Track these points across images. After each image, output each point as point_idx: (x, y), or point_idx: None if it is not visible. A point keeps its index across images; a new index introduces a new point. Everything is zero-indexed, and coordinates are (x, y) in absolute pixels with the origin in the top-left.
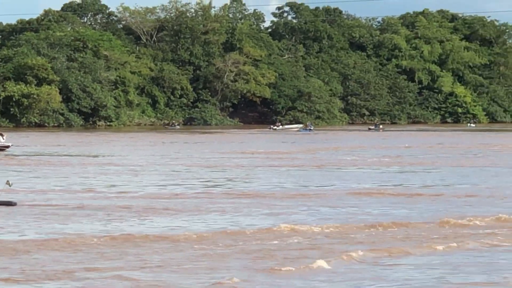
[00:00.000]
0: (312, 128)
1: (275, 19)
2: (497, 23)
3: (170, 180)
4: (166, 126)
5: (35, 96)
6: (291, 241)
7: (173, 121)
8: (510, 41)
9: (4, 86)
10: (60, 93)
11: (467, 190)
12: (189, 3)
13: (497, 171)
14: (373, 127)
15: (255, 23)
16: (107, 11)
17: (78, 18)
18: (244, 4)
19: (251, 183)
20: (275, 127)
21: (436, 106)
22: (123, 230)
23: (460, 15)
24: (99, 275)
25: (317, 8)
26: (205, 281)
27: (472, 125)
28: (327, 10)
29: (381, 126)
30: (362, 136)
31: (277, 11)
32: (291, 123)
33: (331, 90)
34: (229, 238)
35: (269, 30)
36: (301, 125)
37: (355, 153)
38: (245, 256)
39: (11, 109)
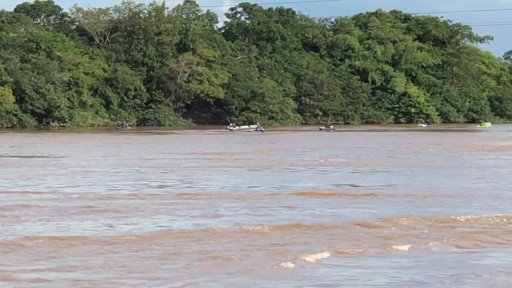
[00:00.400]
0: (262, 129)
1: (228, 20)
2: (450, 24)
3: (118, 181)
4: (117, 127)
5: None
6: (231, 241)
7: (123, 122)
8: (463, 41)
9: None
10: (13, 94)
11: (417, 190)
12: (142, 4)
13: (448, 171)
14: (324, 127)
15: (208, 24)
16: (61, 12)
17: (31, 19)
18: (197, 5)
19: (200, 183)
20: (231, 128)
21: (390, 106)
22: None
23: (413, 16)
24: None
25: (270, 9)
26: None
27: (423, 125)
28: (280, 11)
29: (331, 127)
30: (314, 137)
31: (230, 12)
32: (244, 124)
33: (284, 90)
34: (169, 238)
35: (222, 30)
36: (256, 126)
37: (307, 153)
38: (187, 258)
39: None
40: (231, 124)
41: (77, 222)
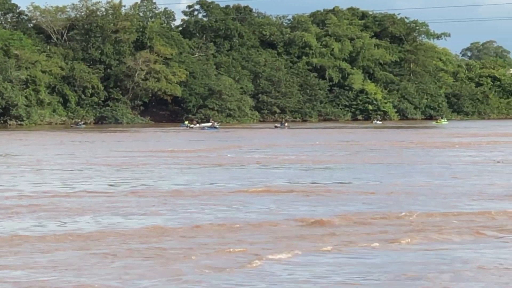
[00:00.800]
0: (217, 127)
1: (185, 18)
2: (407, 21)
3: (70, 179)
4: (72, 125)
5: None
6: (181, 239)
7: (78, 120)
8: (420, 38)
9: None
10: None
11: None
12: (99, 2)
13: (402, 168)
14: (279, 125)
15: (166, 22)
16: (18, 11)
17: None
18: (154, 3)
19: (152, 181)
20: (192, 125)
21: (347, 103)
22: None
23: (370, 13)
24: None
25: (227, 6)
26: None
27: (378, 122)
28: (237, 8)
29: (286, 124)
30: (269, 134)
31: (187, 10)
32: (202, 121)
33: (242, 88)
34: (114, 237)
35: (180, 28)
36: (216, 123)
37: (262, 151)
38: (137, 257)
39: None
40: (191, 122)
41: (22, 220)
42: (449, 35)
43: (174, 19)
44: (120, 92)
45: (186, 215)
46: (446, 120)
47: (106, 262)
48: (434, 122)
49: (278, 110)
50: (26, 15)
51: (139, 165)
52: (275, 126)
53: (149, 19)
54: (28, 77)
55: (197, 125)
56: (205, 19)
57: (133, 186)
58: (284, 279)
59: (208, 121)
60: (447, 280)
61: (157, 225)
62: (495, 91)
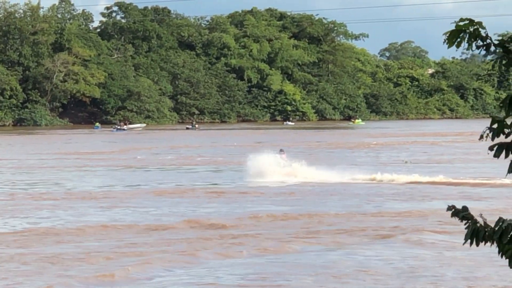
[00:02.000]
0: (125, 128)
1: (104, 19)
2: (325, 21)
3: None
4: None
5: None
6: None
7: None
8: (339, 39)
9: None
10: None
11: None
12: (17, 4)
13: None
14: (190, 126)
15: (84, 23)
16: None
17: None
18: (72, 4)
19: (56, 184)
20: (119, 127)
21: (266, 104)
22: None
23: (289, 14)
24: None
25: (146, 8)
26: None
27: (289, 123)
28: (155, 10)
29: (197, 126)
30: (181, 136)
31: (105, 11)
32: (131, 123)
33: (160, 89)
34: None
35: (98, 30)
36: (144, 125)
37: (173, 152)
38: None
39: None
40: (121, 123)
41: None
42: (367, 36)
43: (92, 21)
44: (39, 94)
45: (72, 218)
46: (361, 120)
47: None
48: (350, 123)
49: (197, 112)
50: None
51: (46, 167)
52: (186, 128)
53: (67, 20)
54: None
55: (125, 127)
56: (123, 20)
57: (36, 189)
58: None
59: (130, 123)
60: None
61: (49, 227)
62: (413, 91)
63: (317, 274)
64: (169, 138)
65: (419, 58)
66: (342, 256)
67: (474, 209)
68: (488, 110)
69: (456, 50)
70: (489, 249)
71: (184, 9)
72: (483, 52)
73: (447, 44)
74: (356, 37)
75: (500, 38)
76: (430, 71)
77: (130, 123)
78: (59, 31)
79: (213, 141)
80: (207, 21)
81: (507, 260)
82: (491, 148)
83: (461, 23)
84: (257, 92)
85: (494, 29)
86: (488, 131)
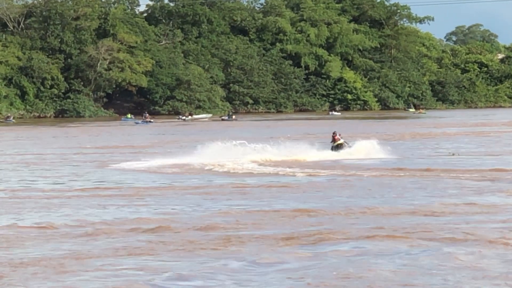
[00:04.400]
0: (152, 121)
1: (150, 3)
2: (387, 3)
3: None
4: (1, 121)
5: None
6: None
7: (8, 115)
8: (402, 22)
9: None
10: None
11: None
12: None
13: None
14: (226, 117)
15: (130, 8)
16: None
17: None
18: None
19: (40, 180)
20: (184, 117)
21: (324, 92)
22: None
23: None
24: None
25: None
26: None
27: (334, 113)
28: None
29: (233, 117)
30: (222, 127)
31: None
32: (197, 114)
33: (212, 77)
34: None
35: (145, 14)
36: (210, 115)
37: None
38: None
39: None
40: (186, 114)
41: None
42: (433, 19)
43: (138, 5)
44: (82, 83)
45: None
46: (414, 109)
47: None
48: (411, 111)
49: (251, 101)
50: None
51: (55, 162)
52: (222, 119)
53: (112, 5)
54: None
55: (190, 117)
56: (171, 4)
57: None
58: None
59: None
60: None
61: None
62: (482, 78)
63: None
64: (208, 130)
65: (488, 42)
66: None
67: None
68: None
69: None
70: None
71: None
72: None
73: None
74: (421, 20)
75: None
76: (500, 56)
77: (190, 114)
78: (103, 16)
79: (262, 133)
80: (261, 4)
81: None
82: None
83: None
84: (315, 80)
85: None
86: None
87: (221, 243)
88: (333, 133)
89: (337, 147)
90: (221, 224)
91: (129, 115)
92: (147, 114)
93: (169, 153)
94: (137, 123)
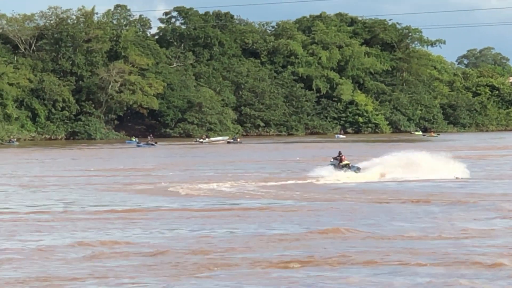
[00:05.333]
0: (154, 144)
1: (162, 25)
2: (399, 27)
3: None
4: (4, 143)
5: None
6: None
7: (11, 137)
8: (413, 46)
9: None
10: None
11: None
12: (70, 9)
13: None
14: (231, 140)
15: (141, 30)
16: None
17: None
18: (129, 10)
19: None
20: (201, 140)
21: (336, 115)
22: None
23: (360, 19)
24: None
25: (207, 13)
26: None
27: (340, 136)
28: (217, 15)
29: (239, 139)
30: (230, 150)
31: (164, 17)
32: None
33: (223, 100)
34: None
35: (156, 37)
36: (227, 138)
37: (216, 168)
38: None
39: None
40: (202, 136)
41: None
42: (444, 42)
43: (150, 27)
44: (93, 105)
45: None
46: (420, 132)
47: None
48: (416, 133)
49: (262, 124)
50: None
51: (52, 185)
52: (228, 142)
53: (124, 27)
54: None
55: (207, 139)
56: (183, 26)
57: None
58: None
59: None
60: None
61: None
62: (493, 101)
63: None
64: (217, 152)
65: (499, 66)
66: None
67: None
68: None
69: None
70: None
71: (248, 14)
72: None
73: None
74: (432, 44)
75: None
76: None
77: (207, 137)
78: (114, 38)
79: (271, 156)
80: (273, 27)
81: None
82: None
83: None
84: (327, 102)
85: None
86: None
87: None
88: (339, 152)
89: (345, 166)
90: None
91: (133, 138)
92: (150, 137)
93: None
94: (139, 145)
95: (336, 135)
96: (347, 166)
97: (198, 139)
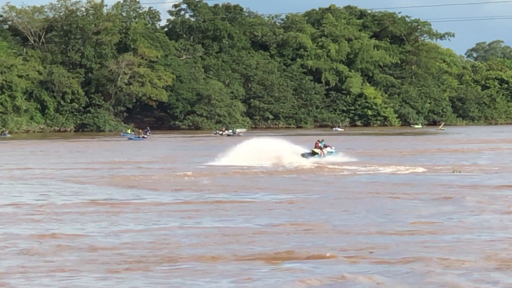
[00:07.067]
0: (145, 136)
1: (171, 18)
2: (408, 19)
3: None
4: None
5: None
6: None
7: (3, 130)
8: (422, 38)
9: None
10: None
11: None
12: (79, 1)
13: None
14: (231, 132)
15: (150, 22)
16: None
17: None
18: (138, 2)
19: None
20: (221, 132)
21: (345, 108)
22: None
23: (369, 11)
24: None
25: (216, 5)
26: None
27: (338, 129)
28: (227, 7)
29: (237, 130)
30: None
31: (173, 9)
32: (227, 129)
33: (232, 92)
34: None
35: (166, 29)
36: (245, 129)
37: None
38: None
39: None
40: (223, 128)
41: None
42: (453, 35)
43: (159, 19)
44: (102, 97)
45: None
46: (420, 125)
47: None
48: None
49: (271, 116)
50: (1, 16)
51: (40, 178)
52: (227, 135)
53: (133, 19)
54: (4, 82)
55: (226, 132)
56: (192, 19)
57: None
58: None
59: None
60: None
61: None
62: (502, 94)
63: None
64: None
65: (508, 59)
66: None
67: None
68: None
69: None
70: None
71: (257, 7)
72: None
73: None
74: (441, 37)
75: None
76: None
77: (227, 129)
78: (123, 30)
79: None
80: (282, 19)
81: None
82: None
83: None
84: (336, 95)
85: None
86: None
87: None
88: (317, 140)
89: (310, 153)
90: None
91: (128, 130)
92: (141, 130)
93: None
94: (130, 138)
95: (334, 128)
96: (312, 153)
97: (218, 131)
